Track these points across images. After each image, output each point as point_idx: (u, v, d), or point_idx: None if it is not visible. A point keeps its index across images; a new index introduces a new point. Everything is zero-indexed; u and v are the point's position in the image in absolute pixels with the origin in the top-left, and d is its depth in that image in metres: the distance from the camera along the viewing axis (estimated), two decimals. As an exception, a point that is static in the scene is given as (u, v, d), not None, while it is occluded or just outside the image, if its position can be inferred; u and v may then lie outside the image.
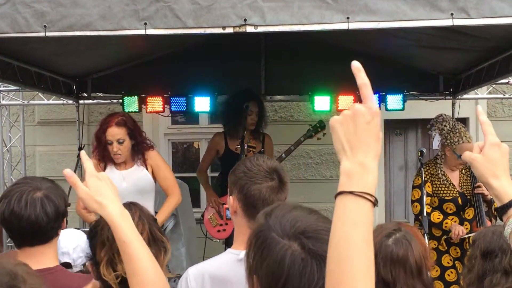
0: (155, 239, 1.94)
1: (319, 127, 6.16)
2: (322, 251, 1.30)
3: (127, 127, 4.60)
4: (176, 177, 7.66)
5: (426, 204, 5.23)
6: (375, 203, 1.20)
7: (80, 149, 6.60)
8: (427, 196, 5.27)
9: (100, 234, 1.90)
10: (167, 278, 1.85)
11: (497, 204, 1.53)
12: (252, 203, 2.19)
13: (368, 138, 1.23)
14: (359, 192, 1.19)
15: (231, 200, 2.24)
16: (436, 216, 5.27)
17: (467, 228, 5.29)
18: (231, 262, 2.19)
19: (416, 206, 5.29)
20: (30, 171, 8.04)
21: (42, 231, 2.20)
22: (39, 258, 2.21)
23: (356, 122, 1.24)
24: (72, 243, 3.27)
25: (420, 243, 2.25)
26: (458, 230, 5.16)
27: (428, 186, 5.35)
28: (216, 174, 8.30)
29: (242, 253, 2.13)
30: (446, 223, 5.23)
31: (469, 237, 5.31)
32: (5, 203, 2.19)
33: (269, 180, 2.21)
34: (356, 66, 1.28)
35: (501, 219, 1.51)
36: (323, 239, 1.32)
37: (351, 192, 1.19)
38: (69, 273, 2.43)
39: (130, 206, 1.94)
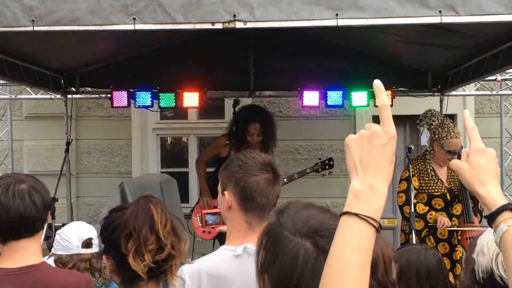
0: (175, 229, 2.01)
1: (328, 165, 6.28)
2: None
3: None
4: (165, 172, 7.73)
5: (416, 202, 5.27)
6: (378, 229, 1.19)
7: (67, 144, 6.57)
8: (414, 190, 5.30)
9: (124, 227, 1.96)
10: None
11: (486, 212, 1.50)
12: (250, 196, 2.18)
13: (382, 160, 1.22)
14: (364, 216, 1.18)
15: (226, 195, 2.21)
16: (421, 208, 5.29)
17: (455, 224, 5.34)
18: (227, 259, 2.17)
19: (401, 197, 5.33)
20: (18, 165, 7.99)
21: (30, 222, 2.19)
22: (24, 254, 2.20)
23: (372, 143, 1.23)
24: (93, 231, 3.23)
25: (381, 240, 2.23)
26: (444, 220, 5.20)
27: (415, 181, 5.37)
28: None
29: (239, 249, 2.13)
30: (431, 214, 5.26)
31: (457, 232, 5.35)
32: None
33: (265, 172, 2.21)
34: (378, 86, 1.28)
35: (491, 227, 1.46)
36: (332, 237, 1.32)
37: (356, 214, 1.19)
38: (56, 269, 2.44)
39: (150, 199, 2.01)
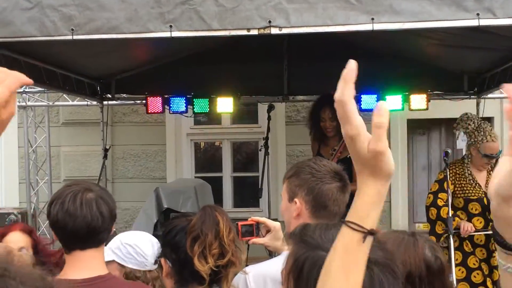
0: (235, 239, 2.13)
1: None
2: (382, 258, 1.30)
3: None
4: (199, 177, 7.77)
5: (443, 204, 5.20)
6: (367, 234, 1.17)
7: (106, 150, 6.66)
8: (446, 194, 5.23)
9: (191, 230, 2.07)
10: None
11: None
12: (323, 204, 2.19)
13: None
14: (345, 221, 1.18)
15: (297, 203, 2.21)
16: (446, 212, 5.22)
17: (483, 228, 5.25)
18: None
19: (429, 198, 5.28)
20: (55, 171, 8.14)
21: (96, 232, 2.15)
22: (90, 264, 2.16)
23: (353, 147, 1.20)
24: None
25: None
26: (467, 227, 5.13)
27: (451, 184, 5.31)
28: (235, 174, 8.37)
29: None
30: (456, 220, 5.19)
31: (491, 238, 5.25)
32: (57, 204, 2.14)
33: (338, 181, 2.22)
34: (344, 75, 1.17)
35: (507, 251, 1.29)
36: (375, 248, 1.29)
37: (343, 221, 1.19)
38: (122, 281, 2.40)
39: (216, 208, 2.13)
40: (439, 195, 5.25)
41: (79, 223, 2.11)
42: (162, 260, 2.15)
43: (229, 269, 2.04)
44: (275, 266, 2.21)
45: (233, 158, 8.38)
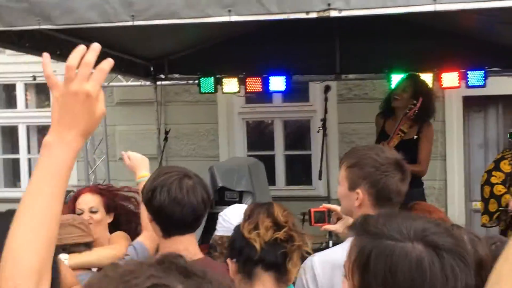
0: (295, 224, 2.10)
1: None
2: (452, 244, 1.29)
3: None
4: (251, 156, 7.83)
5: (497, 182, 5.13)
6: None
7: (166, 132, 6.79)
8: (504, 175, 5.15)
9: (244, 214, 2.13)
10: None
11: None
12: (387, 196, 2.21)
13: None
14: None
15: (359, 194, 2.23)
16: (499, 189, 5.13)
17: None
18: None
19: (483, 176, 5.27)
20: (111, 150, 8.32)
21: (199, 218, 2.23)
22: (188, 247, 2.22)
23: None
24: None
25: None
26: None
27: (505, 164, 5.20)
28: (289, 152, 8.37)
29: None
30: (505, 198, 5.11)
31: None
32: (164, 192, 2.19)
33: (400, 172, 2.24)
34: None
35: None
36: (444, 234, 1.30)
37: None
38: (216, 263, 2.46)
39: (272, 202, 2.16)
40: (493, 173, 5.18)
41: (187, 210, 2.18)
42: (228, 260, 2.12)
43: (292, 247, 2.00)
44: (342, 252, 2.24)
45: (284, 136, 8.40)
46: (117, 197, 3.44)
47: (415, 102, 5.02)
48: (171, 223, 2.23)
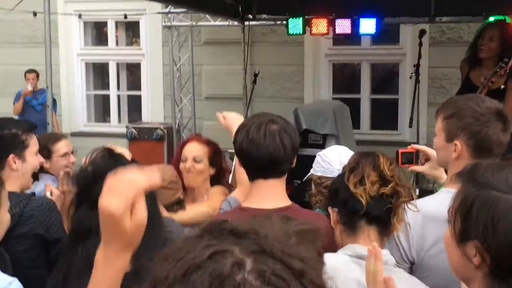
0: (400, 177, 2.04)
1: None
2: None
3: None
4: (336, 99, 7.72)
5: None
6: None
7: (255, 75, 6.79)
8: None
9: (348, 164, 2.07)
10: None
11: None
12: (488, 147, 2.15)
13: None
14: None
15: (458, 145, 2.17)
16: None
17: None
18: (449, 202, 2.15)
19: None
20: (197, 89, 8.44)
21: (278, 163, 2.23)
22: (273, 193, 2.25)
23: None
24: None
25: None
26: None
27: None
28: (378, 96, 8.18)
29: None
30: None
31: None
32: (243, 132, 2.24)
33: (502, 123, 2.17)
34: None
35: None
36: None
37: None
38: (306, 211, 2.44)
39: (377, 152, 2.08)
40: None
41: (262, 152, 2.20)
42: (329, 208, 2.09)
43: (397, 202, 1.96)
44: (434, 203, 2.18)
45: (371, 80, 8.21)
46: (222, 153, 3.50)
47: (506, 60, 4.70)
48: (249, 165, 2.27)
